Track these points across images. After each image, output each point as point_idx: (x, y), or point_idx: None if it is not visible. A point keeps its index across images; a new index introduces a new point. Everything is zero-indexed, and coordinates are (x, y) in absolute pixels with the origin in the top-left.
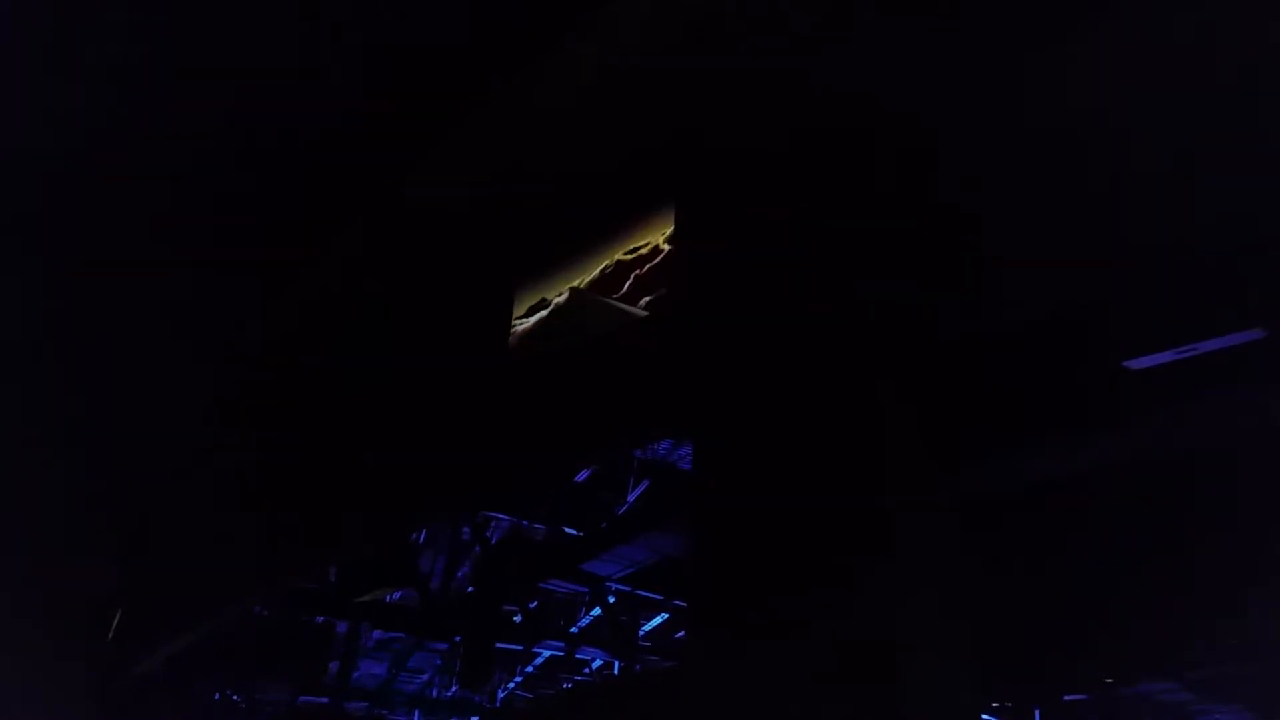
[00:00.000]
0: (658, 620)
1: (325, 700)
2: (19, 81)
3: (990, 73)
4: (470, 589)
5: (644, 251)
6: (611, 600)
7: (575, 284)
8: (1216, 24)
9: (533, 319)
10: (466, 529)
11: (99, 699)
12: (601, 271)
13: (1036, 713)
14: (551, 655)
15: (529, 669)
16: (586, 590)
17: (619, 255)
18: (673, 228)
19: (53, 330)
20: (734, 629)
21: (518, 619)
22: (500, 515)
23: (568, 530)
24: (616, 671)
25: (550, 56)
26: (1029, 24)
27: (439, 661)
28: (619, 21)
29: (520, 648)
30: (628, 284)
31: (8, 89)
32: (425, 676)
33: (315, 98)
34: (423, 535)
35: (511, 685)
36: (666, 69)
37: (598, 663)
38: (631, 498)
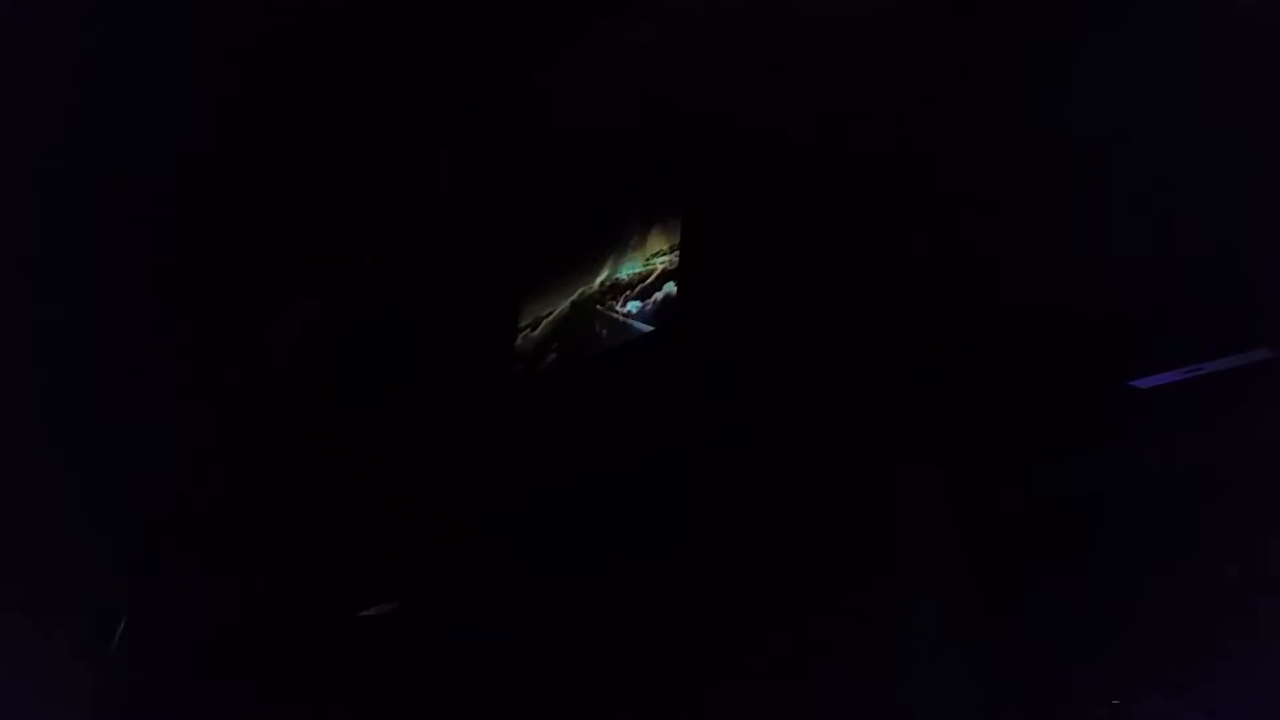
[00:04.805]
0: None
1: None
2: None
3: (999, 84)
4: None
5: (651, 261)
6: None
7: (580, 294)
8: (1231, 41)
9: (538, 330)
10: None
11: (101, 708)
12: (606, 281)
13: None
14: None
15: None
16: None
17: (626, 264)
18: (680, 237)
19: (55, 332)
20: (737, 643)
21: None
22: None
23: None
24: None
25: (558, 65)
26: (1041, 30)
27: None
28: (628, 31)
29: None
30: (634, 293)
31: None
32: None
33: (317, 104)
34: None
35: None
36: (675, 78)
37: None
38: None
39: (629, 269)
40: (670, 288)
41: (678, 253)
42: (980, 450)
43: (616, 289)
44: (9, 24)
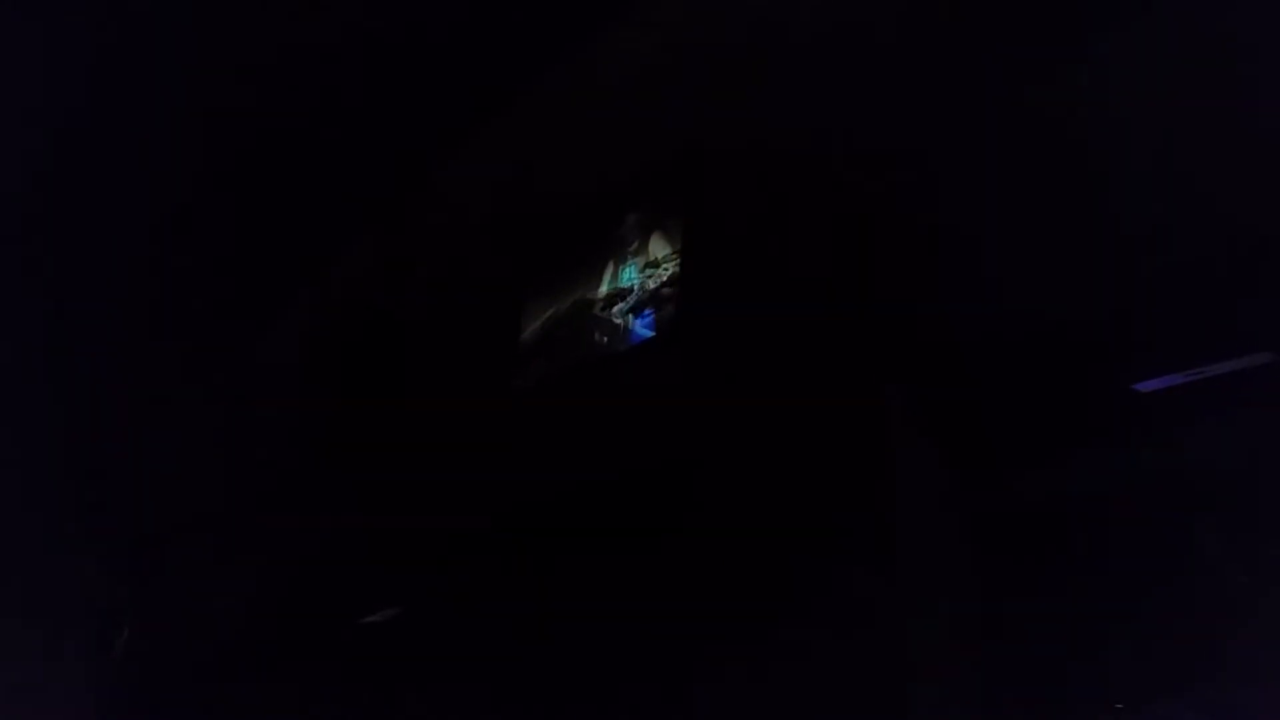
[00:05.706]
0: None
1: None
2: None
3: (1002, 86)
4: None
5: (652, 267)
6: None
7: (580, 299)
8: (1232, 39)
9: (538, 335)
10: None
11: (105, 712)
12: (606, 287)
13: None
14: None
15: None
16: None
17: (626, 270)
18: (681, 241)
19: (57, 333)
20: (736, 644)
21: None
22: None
23: None
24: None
25: (560, 70)
26: (1043, 30)
27: None
28: (629, 36)
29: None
30: (634, 299)
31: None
32: None
33: (321, 108)
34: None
35: None
36: (675, 83)
37: None
38: None
39: (629, 275)
40: (671, 294)
41: (679, 259)
42: (982, 452)
43: (617, 295)
44: (8, 21)
